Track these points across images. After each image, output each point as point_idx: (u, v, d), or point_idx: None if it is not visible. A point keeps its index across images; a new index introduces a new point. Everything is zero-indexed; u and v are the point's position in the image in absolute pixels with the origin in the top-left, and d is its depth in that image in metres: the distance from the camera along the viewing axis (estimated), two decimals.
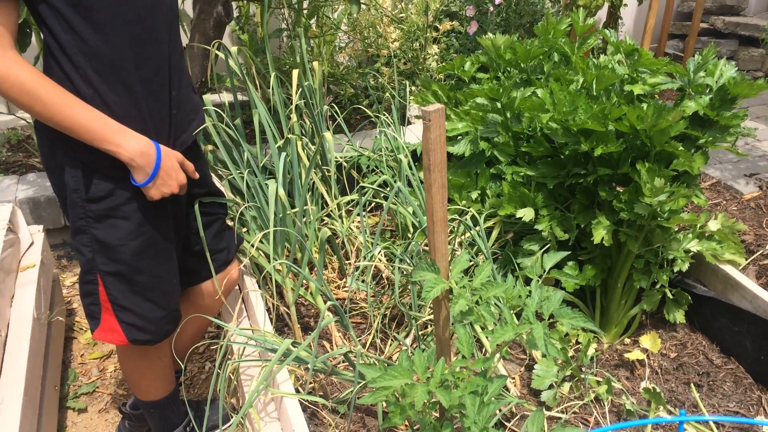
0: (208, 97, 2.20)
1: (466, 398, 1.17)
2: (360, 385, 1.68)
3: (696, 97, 1.91)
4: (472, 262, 2.01)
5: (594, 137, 1.86)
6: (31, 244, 2.33)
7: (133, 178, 1.39)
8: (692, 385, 1.92)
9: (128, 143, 1.34)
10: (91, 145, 1.32)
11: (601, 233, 1.90)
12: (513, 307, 1.31)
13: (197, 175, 1.52)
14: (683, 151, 1.79)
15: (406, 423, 1.68)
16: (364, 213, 2.15)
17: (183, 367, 1.80)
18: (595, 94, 2.02)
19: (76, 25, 1.27)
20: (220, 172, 2.22)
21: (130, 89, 1.38)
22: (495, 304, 1.85)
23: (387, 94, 3.42)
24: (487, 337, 1.90)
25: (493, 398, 1.24)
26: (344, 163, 2.51)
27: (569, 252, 1.60)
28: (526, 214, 2.01)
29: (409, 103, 3.21)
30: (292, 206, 2.11)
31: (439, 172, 1.22)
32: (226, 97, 2.21)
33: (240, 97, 3.38)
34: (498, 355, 1.36)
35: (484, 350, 1.90)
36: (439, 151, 1.20)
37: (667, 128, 1.76)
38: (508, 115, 2.18)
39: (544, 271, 1.46)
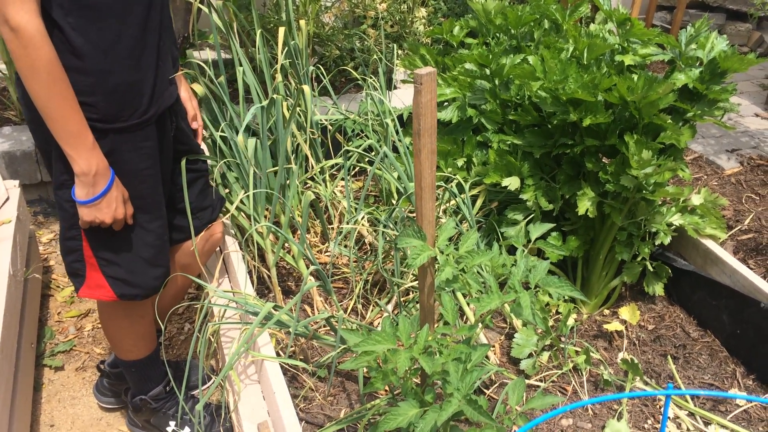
0: (191, 53, 2.14)
1: (450, 365, 1.17)
2: (341, 349, 1.68)
3: (686, 70, 1.90)
4: (456, 230, 2.00)
5: (583, 107, 1.84)
6: (7, 199, 2.28)
7: (74, 190, 1.37)
8: (669, 357, 1.95)
9: (89, 159, 1.33)
10: (61, 140, 1.31)
11: (585, 204, 1.90)
12: (498, 276, 1.31)
13: (131, 222, 1.48)
14: (672, 124, 1.79)
15: (387, 388, 1.69)
16: (348, 177, 2.13)
17: (163, 327, 1.78)
18: (585, 63, 2.00)
19: None
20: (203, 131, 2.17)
21: (122, 36, 1.34)
22: (478, 272, 1.85)
23: (374, 56, 3.36)
24: (469, 305, 1.91)
25: (475, 366, 1.24)
26: (329, 126, 2.47)
27: (555, 224, 1.60)
28: (512, 183, 2.00)
29: (396, 66, 3.16)
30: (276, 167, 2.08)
31: (429, 138, 1.20)
32: (209, 54, 2.15)
33: (223, 55, 3.30)
34: (481, 324, 1.36)
35: (465, 318, 1.91)
36: (430, 116, 1.18)
37: (657, 100, 1.75)
38: (497, 82, 2.16)
39: (530, 241, 1.46)
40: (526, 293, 1.20)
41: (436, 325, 1.46)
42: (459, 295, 1.90)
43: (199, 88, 2.01)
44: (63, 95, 1.28)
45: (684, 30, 1.95)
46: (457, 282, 1.27)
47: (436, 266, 1.29)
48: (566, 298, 1.83)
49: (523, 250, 1.32)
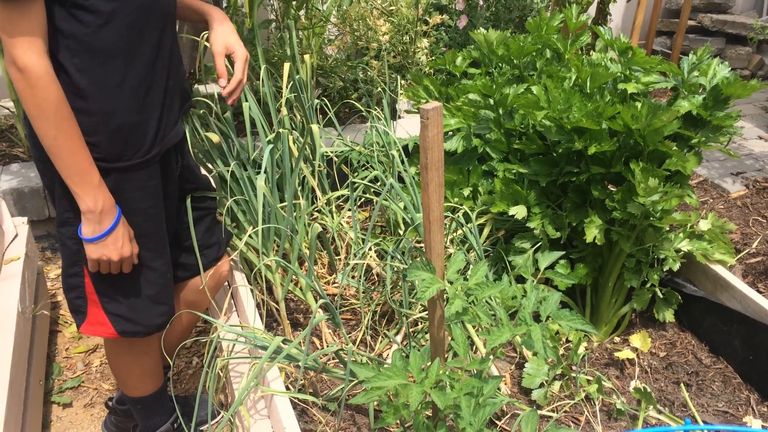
0: (197, 90, 2.16)
1: (462, 400, 1.16)
2: (353, 384, 1.67)
3: (689, 97, 1.91)
4: (465, 261, 2.00)
5: (588, 135, 1.85)
6: (16, 236, 2.29)
7: (81, 228, 1.37)
8: (682, 384, 1.93)
9: (95, 197, 1.33)
10: (66, 179, 1.32)
11: (593, 232, 1.90)
12: (508, 308, 1.31)
13: (136, 261, 1.48)
14: (677, 151, 1.79)
15: (398, 422, 1.68)
16: (354, 208, 2.13)
17: (171, 363, 1.77)
18: (588, 91, 2.01)
19: (79, 14, 1.25)
20: (210, 166, 2.19)
21: (127, 77, 1.35)
22: (487, 302, 1.85)
23: (378, 88, 3.39)
24: (479, 337, 1.90)
25: (488, 400, 1.23)
26: (334, 158, 2.49)
27: (563, 252, 1.60)
28: (519, 211, 2.01)
29: (400, 97, 3.19)
30: (283, 201, 2.09)
31: (436, 171, 1.20)
32: (215, 89, 2.18)
33: None
34: (492, 356, 1.35)
35: (475, 348, 1.89)
36: (437, 150, 1.19)
37: (661, 128, 1.76)
38: (501, 111, 2.17)
39: (539, 270, 1.45)
40: (537, 326, 1.20)
41: (446, 358, 1.46)
42: (468, 325, 1.89)
43: (215, 138, 2.03)
44: (69, 134, 1.29)
45: (686, 57, 1.97)
46: (467, 314, 1.26)
47: (446, 298, 1.29)
48: None
49: (533, 281, 1.32)
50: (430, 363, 1.33)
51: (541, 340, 1.18)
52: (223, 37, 1.62)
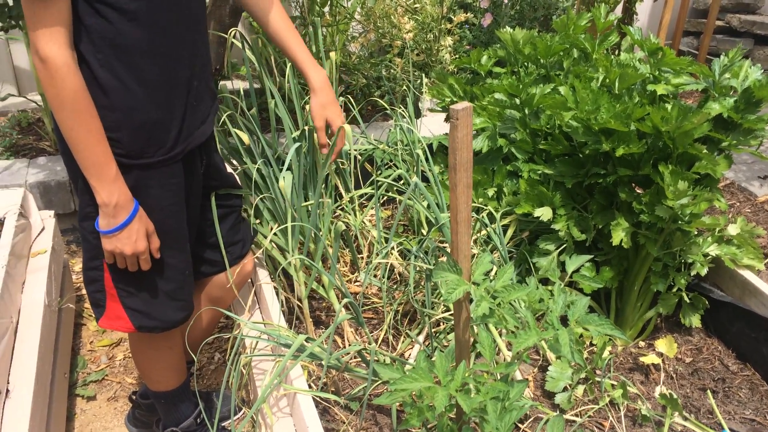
0: (224, 86, 2.17)
1: (488, 404, 1.15)
2: (377, 383, 1.67)
3: (720, 99, 1.88)
4: (491, 264, 1.99)
5: (615, 137, 1.83)
6: (42, 229, 2.31)
7: (98, 220, 1.39)
8: (708, 391, 1.90)
9: (110, 191, 1.34)
10: (85, 170, 1.33)
11: (620, 235, 1.87)
12: (534, 311, 1.29)
13: (157, 255, 1.49)
14: (707, 154, 1.76)
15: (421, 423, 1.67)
16: (377, 207, 2.13)
17: (195, 358, 1.78)
18: (617, 92, 1.98)
19: (104, 10, 1.26)
20: (234, 162, 2.19)
21: (151, 77, 1.36)
22: (510, 304, 1.83)
23: (403, 86, 3.38)
24: (501, 336, 1.88)
25: (514, 404, 1.22)
26: (358, 156, 2.48)
27: (591, 255, 1.58)
28: (544, 213, 1.99)
29: (424, 95, 3.18)
30: (307, 198, 2.09)
31: (464, 172, 1.20)
32: (240, 85, 2.18)
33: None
34: (518, 359, 1.34)
35: (497, 351, 1.88)
36: (466, 151, 1.18)
37: (692, 130, 1.73)
38: (527, 111, 2.15)
39: (567, 274, 1.44)
40: (565, 330, 1.18)
41: (470, 360, 1.45)
42: (492, 327, 1.88)
43: (243, 136, 2.03)
44: (87, 127, 1.30)
45: (717, 59, 1.94)
46: (493, 317, 1.26)
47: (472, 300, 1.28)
48: None
49: (560, 284, 1.30)
50: (454, 365, 1.32)
51: (569, 345, 1.16)
52: (323, 112, 1.77)
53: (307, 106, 2.16)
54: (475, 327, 1.66)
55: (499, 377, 1.29)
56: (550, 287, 1.78)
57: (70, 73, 1.25)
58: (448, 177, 2.29)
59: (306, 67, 1.74)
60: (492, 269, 1.96)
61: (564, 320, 1.27)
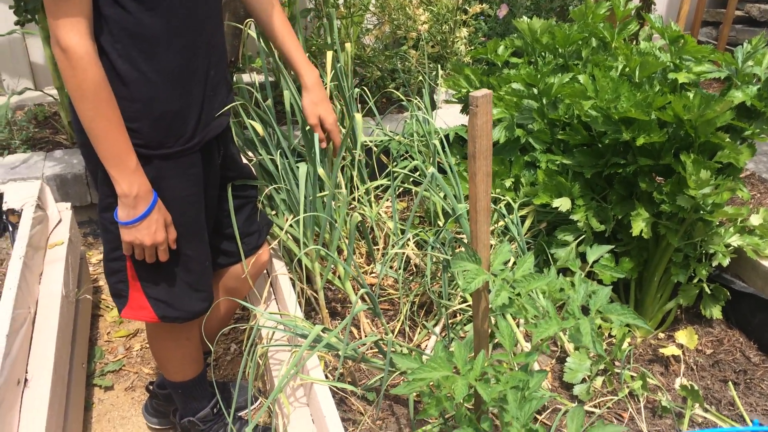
0: (240, 78, 2.16)
1: (509, 393, 1.14)
2: (394, 373, 1.66)
3: (743, 87, 1.85)
4: (511, 254, 1.97)
5: (636, 126, 1.80)
6: (59, 221, 2.32)
7: (117, 211, 1.38)
8: (730, 383, 1.88)
9: (130, 182, 1.34)
10: (104, 161, 1.33)
11: (640, 225, 1.85)
12: (555, 301, 1.28)
13: (174, 246, 1.49)
14: (730, 143, 1.73)
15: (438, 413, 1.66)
16: (394, 198, 2.11)
17: (212, 349, 1.78)
18: (637, 81, 1.96)
19: (123, 0, 1.26)
20: (250, 154, 2.19)
21: (169, 65, 1.36)
22: (528, 294, 1.82)
23: (418, 78, 3.36)
24: (519, 326, 1.87)
25: (533, 394, 1.20)
26: (374, 148, 2.47)
27: (612, 246, 1.56)
28: (563, 203, 1.97)
29: (439, 86, 3.15)
30: (322, 189, 2.08)
31: (484, 160, 1.18)
32: (256, 78, 2.18)
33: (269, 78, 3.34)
34: (538, 349, 1.32)
35: (515, 342, 1.86)
36: (485, 138, 1.16)
37: (714, 119, 1.70)
38: (545, 101, 2.13)
39: (587, 264, 1.42)
40: (586, 320, 1.17)
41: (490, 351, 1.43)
42: (509, 317, 1.86)
43: (258, 127, 2.03)
44: (108, 117, 1.29)
45: (739, 47, 1.90)
46: (512, 306, 1.24)
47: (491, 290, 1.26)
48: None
49: (581, 274, 1.29)
50: (472, 355, 1.31)
51: (590, 335, 1.15)
52: (316, 109, 1.80)
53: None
54: (492, 317, 1.64)
55: (517, 367, 1.28)
56: (569, 278, 1.76)
57: (91, 63, 1.25)
58: (464, 168, 2.27)
59: (301, 66, 1.77)
60: (510, 259, 1.94)
61: (584, 311, 1.25)
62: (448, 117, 3.25)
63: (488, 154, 1.17)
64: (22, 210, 2.15)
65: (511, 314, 1.22)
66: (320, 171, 1.85)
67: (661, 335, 2.09)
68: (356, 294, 2.07)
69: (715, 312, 2.04)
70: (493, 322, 1.66)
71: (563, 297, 1.24)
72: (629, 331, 2.06)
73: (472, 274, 1.22)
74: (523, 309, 1.24)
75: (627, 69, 2.03)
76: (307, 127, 2.04)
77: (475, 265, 1.23)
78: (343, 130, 2.23)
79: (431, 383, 1.29)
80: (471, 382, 1.17)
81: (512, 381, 1.16)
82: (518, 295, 1.24)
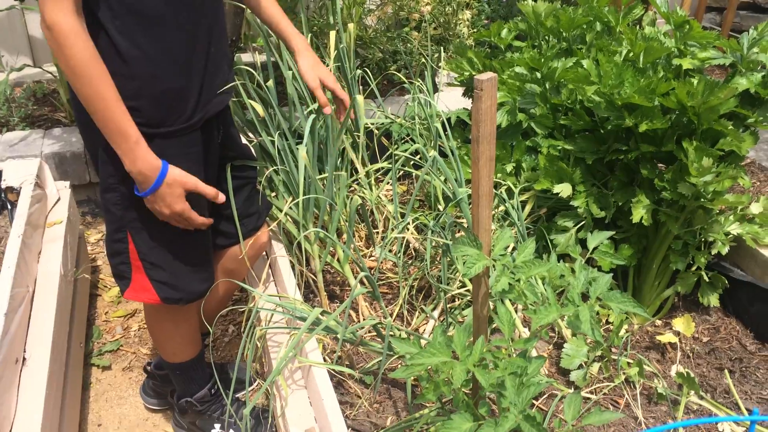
0: (239, 58, 2.14)
1: (507, 379, 1.14)
2: (392, 357, 1.66)
3: (747, 74, 1.83)
4: (512, 239, 1.97)
5: (639, 112, 1.79)
6: (58, 199, 2.31)
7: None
8: (726, 371, 1.88)
9: (133, 158, 1.33)
10: (106, 137, 1.32)
11: (640, 212, 1.84)
12: (555, 287, 1.27)
13: (221, 200, 1.50)
14: (733, 130, 1.72)
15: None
16: (395, 181, 2.10)
17: (211, 330, 1.78)
18: (641, 66, 1.94)
19: None
20: (250, 135, 2.17)
21: (170, 42, 1.34)
22: (527, 280, 1.81)
23: (420, 60, 3.34)
24: (516, 312, 1.87)
25: (531, 380, 1.21)
26: (375, 130, 2.45)
27: (613, 232, 1.55)
28: (564, 189, 1.96)
29: (442, 69, 3.13)
30: (322, 171, 2.07)
31: (487, 144, 1.17)
32: (258, 58, 2.15)
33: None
34: (537, 336, 1.32)
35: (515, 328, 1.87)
36: (489, 123, 1.15)
37: (718, 106, 1.69)
38: (548, 86, 2.11)
39: (588, 251, 1.42)
40: (586, 307, 1.16)
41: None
42: (507, 303, 1.87)
43: (258, 108, 2.01)
44: (101, 94, 1.27)
45: (745, 33, 1.89)
46: (512, 292, 1.24)
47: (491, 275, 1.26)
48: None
49: (582, 260, 1.28)
50: (471, 340, 1.31)
51: (590, 322, 1.15)
52: (314, 71, 1.73)
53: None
54: (491, 303, 1.64)
55: (515, 353, 1.28)
56: (569, 264, 1.76)
57: (78, 39, 1.23)
58: (465, 152, 2.26)
59: (289, 32, 1.73)
60: (510, 245, 1.93)
61: (584, 297, 1.25)
62: (450, 100, 3.23)
63: (492, 139, 1.16)
64: (20, 188, 2.14)
65: (510, 300, 1.22)
66: (302, 153, 1.82)
67: (658, 322, 2.09)
68: (355, 277, 2.07)
69: (713, 300, 2.04)
70: (491, 307, 1.66)
71: (563, 284, 1.24)
72: (626, 317, 2.06)
73: (472, 259, 1.21)
74: (523, 295, 1.24)
75: (631, 54, 2.02)
76: (309, 109, 2.02)
77: (475, 250, 1.23)
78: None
79: (429, 368, 1.29)
80: (469, 367, 1.17)
81: (511, 367, 1.17)
82: (518, 281, 1.24)
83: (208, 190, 1.46)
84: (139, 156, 1.33)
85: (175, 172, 1.39)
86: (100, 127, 1.31)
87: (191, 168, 1.49)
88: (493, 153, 1.17)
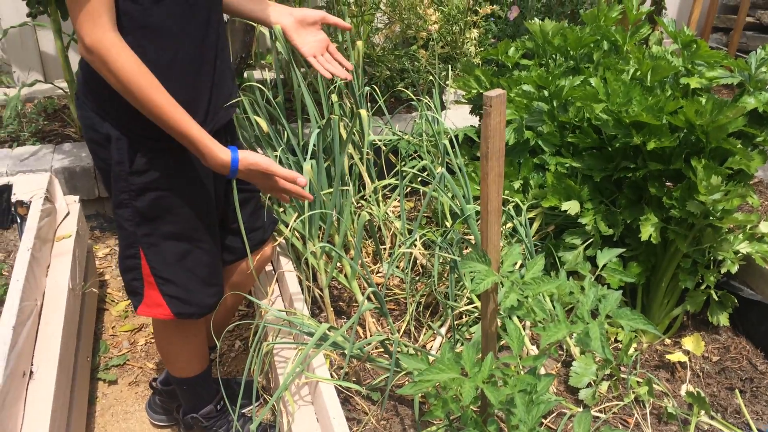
0: (251, 74, 2.16)
1: (516, 397, 1.13)
2: (399, 373, 1.65)
3: (756, 93, 1.84)
4: (521, 256, 1.97)
5: (647, 130, 1.79)
6: (67, 214, 2.33)
7: None
8: (737, 390, 1.87)
9: (204, 156, 1.37)
10: (175, 138, 1.35)
11: (649, 230, 1.84)
12: (564, 304, 1.27)
13: (301, 182, 1.49)
14: (742, 149, 1.72)
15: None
16: (402, 197, 2.11)
17: (218, 344, 1.78)
18: (649, 85, 1.95)
19: None
20: (259, 150, 2.19)
21: (179, 54, 1.36)
22: (535, 297, 1.81)
23: (429, 77, 3.35)
24: (524, 329, 1.86)
25: (540, 398, 1.20)
26: (382, 147, 2.46)
27: (623, 249, 1.55)
28: (572, 207, 1.96)
29: (449, 87, 3.15)
30: (330, 187, 2.08)
31: (496, 161, 1.17)
32: (267, 75, 2.17)
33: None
34: (546, 353, 1.32)
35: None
36: (498, 139, 1.16)
37: (726, 125, 1.69)
38: (555, 103, 2.12)
39: (597, 268, 1.41)
40: (596, 324, 1.16)
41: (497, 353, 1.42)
42: (515, 319, 1.86)
43: (262, 123, 2.02)
44: (154, 101, 1.28)
45: (753, 53, 1.89)
46: (521, 309, 1.23)
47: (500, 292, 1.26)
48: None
49: (591, 278, 1.28)
50: (480, 357, 1.30)
51: (600, 339, 1.14)
52: (307, 37, 1.71)
53: (333, 96, 2.15)
54: (498, 320, 1.64)
55: (524, 371, 1.27)
56: (578, 281, 1.75)
57: (123, 52, 1.24)
58: (472, 168, 2.27)
59: (269, 11, 1.70)
60: (518, 262, 1.93)
61: (593, 315, 1.24)
62: (456, 118, 3.24)
63: (501, 155, 1.17)
64: (30, 202, 2.15)
65: (518, 316, 1.21)
66: (306, 167, 1.82)
67: (668, 341, 2.08)
68: (362, 293, 2.07)
69: (722, 319, 2.03)
70: (498, 324, 1.65)
71: (572, 300, 1.23)
72: (635, 336, 2.05)
73: (481, 275, 1.21)
74: (532, 311, 1.23)
75: (638, 73, 2.02)
76: (318, 125, 2.04)
77: (484, 266, 1.23)
78: (353, 129, 2.22)
79: (437, 384, 1.28)
80: (479, 384, 1.16)
81: (520, 384, 1.16)
82: (527, 297, 1.24)
83: (285, 173, 1.45)
84: (207, 153, 1.35)
85: (247, 159, 1.41)
86: (171, 130, 1.32)
87: (201, 182, 1.50)
88: (501, 169, 1.18)
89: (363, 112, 2.08)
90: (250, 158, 1.40)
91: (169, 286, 1.52)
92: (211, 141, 1.35)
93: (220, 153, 1.36)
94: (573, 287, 1.26)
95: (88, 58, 1.24)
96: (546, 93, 2.13)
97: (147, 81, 1.26)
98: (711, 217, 1.79)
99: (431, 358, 1.72)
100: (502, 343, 1.79)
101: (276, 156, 2.04)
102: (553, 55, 2.31)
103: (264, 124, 2.01)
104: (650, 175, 1.88)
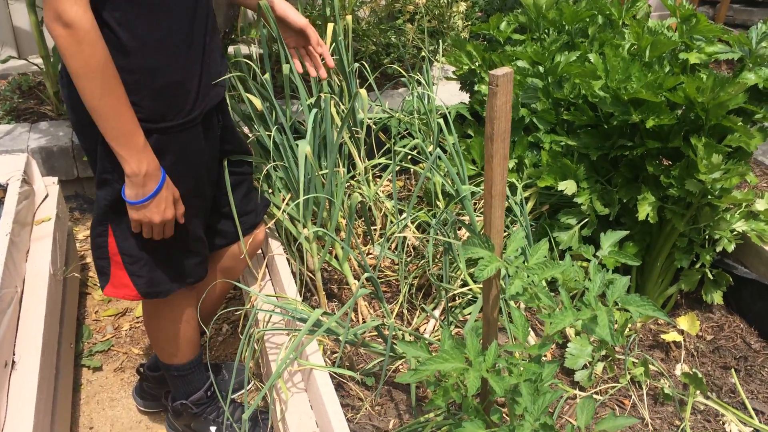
0: (237, 49, 2.08)
1: (523, 387, 1.10)
2: (394, 358, 1.62)
3: (756, 69, 1.80)
4: (524, 240, 1.93)
5: (645, 108, 1.75)
6: (46, 196, 2.24)
7: (124, 190, 1.32)
8: (732, 370, 1.86)
9: (139, 160, 1.28)
10: (108, 141, 1.27)
11: (646, 209, 1.81)
12: (569, 290, 1.24)
13: (183, 221, 1.44)
14: (742, 126, 1.69)
15: None
16: (394, 177, 2.06)
17: (207, 330, 1.73)
18: (647, 61, 1.90)
19: None
20: (246, 129, 2.12)
21: (168, 31, 1.30)
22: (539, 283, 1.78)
23: (419, 52, 3.28)
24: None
25: (545, 386, 1.17)
26: (372, 125, 2.40)
27: (627, 232, 1.51)
28: (568, 186, 1.92)
29: (438, 62, 3.08)
30: (321, 167, 2.02)
31: (502, 143, 1.12)
32: (254, 50, 2.09)
33: (263, 50, 3.24)
34: (551, 341, 1.28)
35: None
36: (504, 120, 1.11)
37: (727, 101, 1.66)
38: (550, 80, 2.07)
39: (596, 249, 1.38)
40: (604, 311, 1.13)
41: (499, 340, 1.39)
42: (512, 305, 1.83)
43: (257, 102, 1.95)
44: (116, 94, 1.24)
45: (754, 27, 1.85)
46: (524, 295, 1.20)
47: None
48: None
49: (596, 262, 1.24)
50: (480, 344, 1.27)
51: (608, 326, 1.11)
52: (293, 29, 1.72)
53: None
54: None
55: (528, 359, 1.24)
56: (581, 264, 1.73)
57: (98, 37, 1.18)
58: (464, 147, 2.22)
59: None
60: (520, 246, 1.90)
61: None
62: (444, 94, 3.18)
63: (506, 136, 1.12)
64: (7, 184, 2.07)
65: (526, 303, 1.18)
66: (307, 150, 1.77)
67: (662, 320, 2.06)
68: (354, 276, 2.03)
69: (717, 297, 2.02)
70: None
71: (578, 286, 1.20)
72: (630, 316, 2.03)
73: (485, 261, 1.17)
74: (536, 297, 1.20)
75: (634, 48, 1.98)
76: (308, 102, 1.97)
77: (488, 251, 1.19)
78: (344, 107, 2.16)
79: (437, 373, 1.25)
80: (483, 374, 1.13)
81: (526, 373, 1.13)
82: (531, 283, 1.20)
83: (180, 208, 1.42)
84: (145, 158, 1.29)
85: (168, 178, 1.36)
86: (108, 128, 1.25)
87: (191, 163, 1.45)
88: (507, 151, 1.13)
89: (363, 92, 2.02)
90: (170, 182, 1.37)
91: (136, 266, 1.46)
92: (151, 151, 1.31)
93: (156, 161, 1.32)
94: (578, 272, 1.23)
95: (59, 34, 1.16)
96: (541, 69, 2.08)
97: (112, 71, 1.22)
98: (710, 196, 1.77)
99: (428, 344, 1.68)
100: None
101: (269, 136, 1.97)
102: (547, 30, 2.26)
103: (258, 103, 1.94)
104: (647, 154, 1.84)
